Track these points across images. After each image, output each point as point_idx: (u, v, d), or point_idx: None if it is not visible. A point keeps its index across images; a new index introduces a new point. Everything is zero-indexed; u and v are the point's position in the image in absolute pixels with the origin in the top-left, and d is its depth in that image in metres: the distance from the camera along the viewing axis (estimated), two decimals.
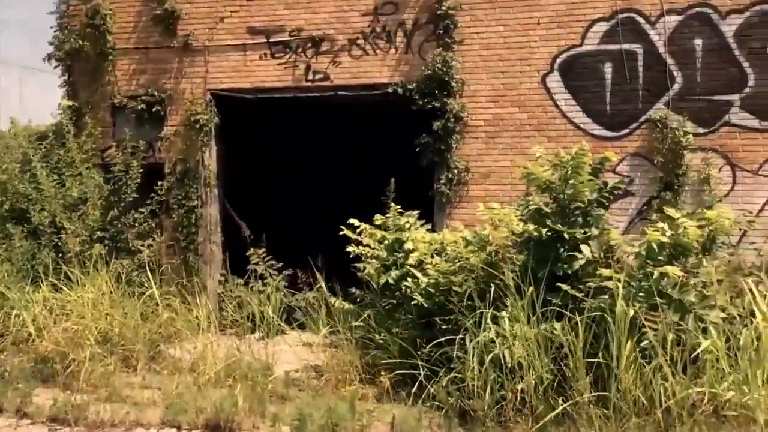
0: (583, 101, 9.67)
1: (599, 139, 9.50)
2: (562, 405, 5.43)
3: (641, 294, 5.65)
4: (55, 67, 11.63)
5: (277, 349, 7.93)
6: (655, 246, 5.85)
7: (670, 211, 6.71)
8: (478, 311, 6.39)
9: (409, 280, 7.42)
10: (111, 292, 9.42)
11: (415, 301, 7.22)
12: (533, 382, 5.58)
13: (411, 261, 7.59)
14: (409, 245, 7.87)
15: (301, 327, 10.06)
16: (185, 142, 11.06)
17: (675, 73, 9.38)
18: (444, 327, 6.72)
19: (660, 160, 9.29)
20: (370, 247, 8.34)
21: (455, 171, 9.95)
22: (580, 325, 5.54)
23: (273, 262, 10.35)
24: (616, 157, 7.03)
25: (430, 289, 7.16)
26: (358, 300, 8.48)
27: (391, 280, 7.69)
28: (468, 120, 10.01)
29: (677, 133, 9.18)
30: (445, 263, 7.16)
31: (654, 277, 5.61)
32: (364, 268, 8.25)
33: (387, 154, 12.29)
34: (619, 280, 5.57)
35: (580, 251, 6.50)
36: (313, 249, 9.23)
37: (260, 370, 7.27)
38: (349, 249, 8.46)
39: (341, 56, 10.57)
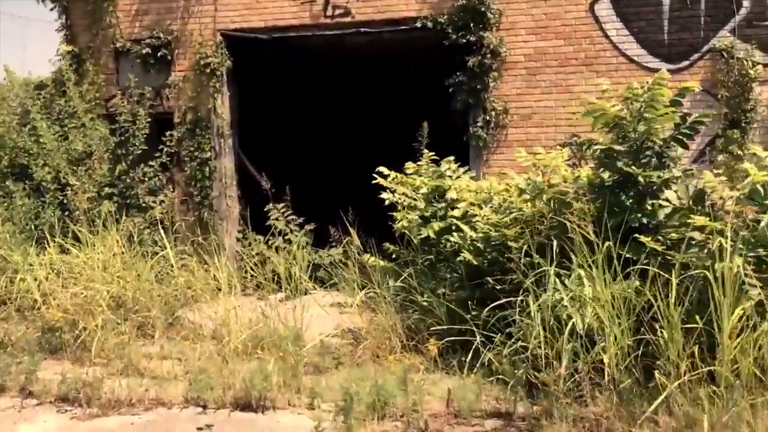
0: (637, 30, 8.68)
1: (656, 73, 8.49)
2: (648, 378, 4.66)
3: (741, 246, 4.80)
4: (51, 9, 10.66)
5: (306, 312, 7.18)
6: (761, 188, 4.97)
7: (755, 149, 5.82)
8: (539, 269, 5.56)
9: (455, 234, 6.58)
10: (122, 253, 8.68)
11: (462, 258, 6.40)
12: (615, 352, 4.78)
13: (456, 213, 6.74)
14: (452, 194, 7.02)
15: (330, 286, 9.39)
16: (195, 89, 10.17)
17: None
18: (499, 287, 5.92)
19: (725, 94, 8.33)
20: (406, 196, 7.50)
21: (492, 113, 9.04)
22: (672, 284, 4.70)
23: (294, 216, 9.67)
24: (698, 86, 6.07)
25: (479, 245, 6.33)
26: (394, 257, 7.69)
27: (432, 234, 6.86)
28: (506, 56, 9.04)
29: (745, 63, 8.22)
30: (496, 215, 6.31)
31: (762, 224, 4.76)
32: (399, 219, 7.42)
33: (416, 97, 11.33)
34: (717, 231, 4.72)
35: (656, 197, 5.64)
36: (339, 202, 8.44)
37: (290, 338, 6.52)
38: (384, 196, 7.61)
39: None
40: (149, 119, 10.14)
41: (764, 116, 8.22)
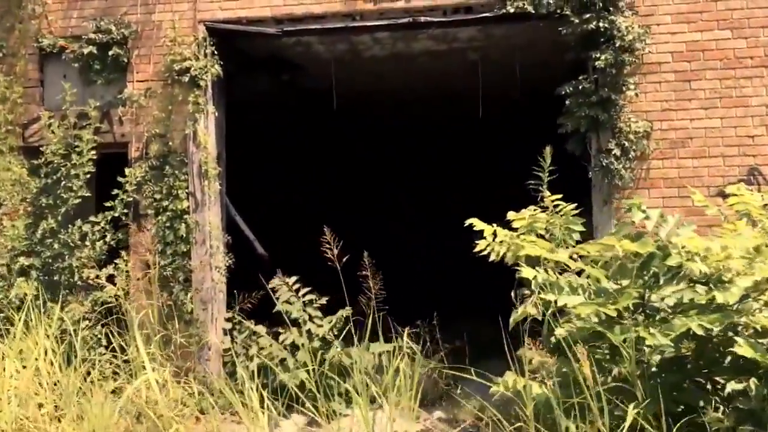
0: None
1: None
2: None
3: None
4: None
5: None
6: None
7: None
8: None
9: (739, 340, 3.39)
10: (51, 363, 5.26)
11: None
12: None
13: (727, 297, 3.53)
14: (697, 266, 3.83)
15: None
16: (165, 107, 6.82)
17: None
18: None
19: None
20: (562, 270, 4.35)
21: (631, 136, 6.07)
22: None
23: (313, 296, 6.59)
24: None
25: None
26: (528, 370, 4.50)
27: (664, 339, 3.64)
28: (644, 53, 6.16)
29: None
30: None
31: None
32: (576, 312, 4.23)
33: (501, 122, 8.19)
34: None
35: None
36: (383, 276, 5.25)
37: None
38: (527, 274, 4.44)
39: None
40: (93, 152, 6.71)
41: None
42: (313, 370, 5.76)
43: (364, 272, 4.66)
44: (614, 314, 3.80)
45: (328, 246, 4.45)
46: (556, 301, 4.33)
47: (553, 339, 4.75)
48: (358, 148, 11.21)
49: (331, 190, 11.01)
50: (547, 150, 5.41)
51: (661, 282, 3.99)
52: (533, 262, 5.05)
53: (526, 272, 4.43)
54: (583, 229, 5.29)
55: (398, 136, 11.12)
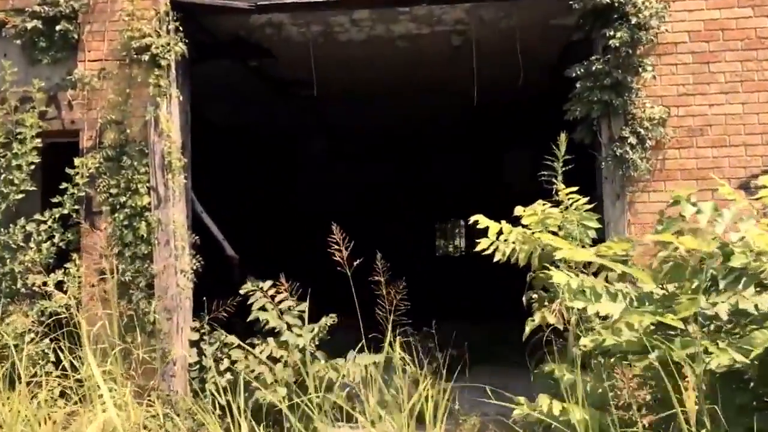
0: None
1: None
2: None
3: None
4: None
5: None
6: None
7: None
8: None
9: None
10: None
11: None
12: None
13: None
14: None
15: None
16: (122, 90, 6.02)
17: None
18: None
19: None
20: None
21: (645, 124, 5.51)
22: None
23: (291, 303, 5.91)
24: None
25: None
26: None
27: None
28: (660, 33, 5.61)
29: None
30: None
31: None
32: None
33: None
34: None
35: None
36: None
37: None
38: (557, 279, 3.79)
39: None
40: (39, 140, 5.88)
41: None
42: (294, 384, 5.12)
43: (376, 277, 3.95)
44: (680, 325, 3.19)
45: (336, 247, 3.72)
46: (585, 309, 3.72)
47: (577, 351, 4.17)
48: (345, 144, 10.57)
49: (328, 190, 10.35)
50: (562, 137, 4.83)
51: (721, 286, 3.40)
52: (546, 261, 4.50)
53: (557, 276, 3.77)
54: (600, 226, 4.73)
55: (384, 133, 10.52)
